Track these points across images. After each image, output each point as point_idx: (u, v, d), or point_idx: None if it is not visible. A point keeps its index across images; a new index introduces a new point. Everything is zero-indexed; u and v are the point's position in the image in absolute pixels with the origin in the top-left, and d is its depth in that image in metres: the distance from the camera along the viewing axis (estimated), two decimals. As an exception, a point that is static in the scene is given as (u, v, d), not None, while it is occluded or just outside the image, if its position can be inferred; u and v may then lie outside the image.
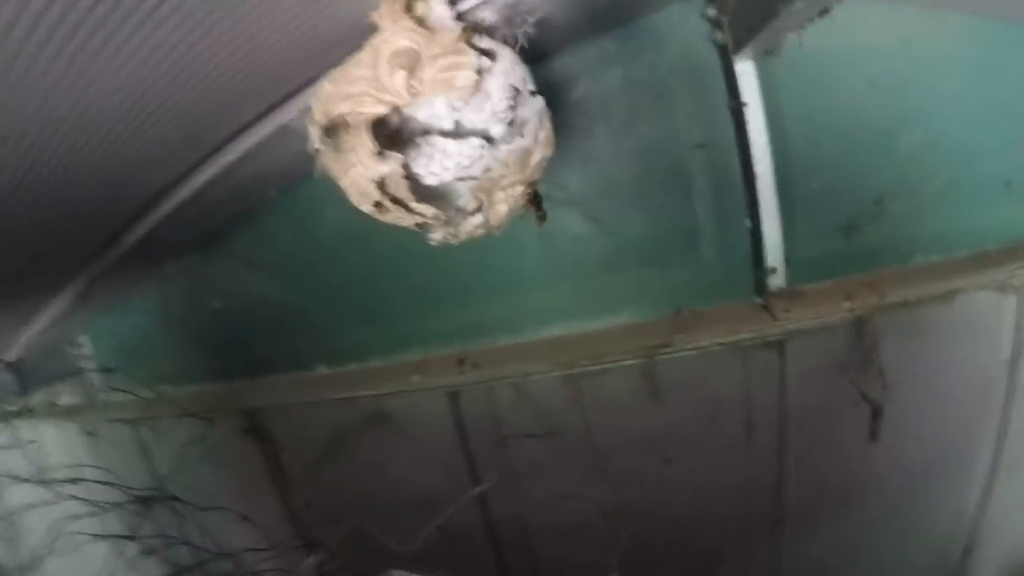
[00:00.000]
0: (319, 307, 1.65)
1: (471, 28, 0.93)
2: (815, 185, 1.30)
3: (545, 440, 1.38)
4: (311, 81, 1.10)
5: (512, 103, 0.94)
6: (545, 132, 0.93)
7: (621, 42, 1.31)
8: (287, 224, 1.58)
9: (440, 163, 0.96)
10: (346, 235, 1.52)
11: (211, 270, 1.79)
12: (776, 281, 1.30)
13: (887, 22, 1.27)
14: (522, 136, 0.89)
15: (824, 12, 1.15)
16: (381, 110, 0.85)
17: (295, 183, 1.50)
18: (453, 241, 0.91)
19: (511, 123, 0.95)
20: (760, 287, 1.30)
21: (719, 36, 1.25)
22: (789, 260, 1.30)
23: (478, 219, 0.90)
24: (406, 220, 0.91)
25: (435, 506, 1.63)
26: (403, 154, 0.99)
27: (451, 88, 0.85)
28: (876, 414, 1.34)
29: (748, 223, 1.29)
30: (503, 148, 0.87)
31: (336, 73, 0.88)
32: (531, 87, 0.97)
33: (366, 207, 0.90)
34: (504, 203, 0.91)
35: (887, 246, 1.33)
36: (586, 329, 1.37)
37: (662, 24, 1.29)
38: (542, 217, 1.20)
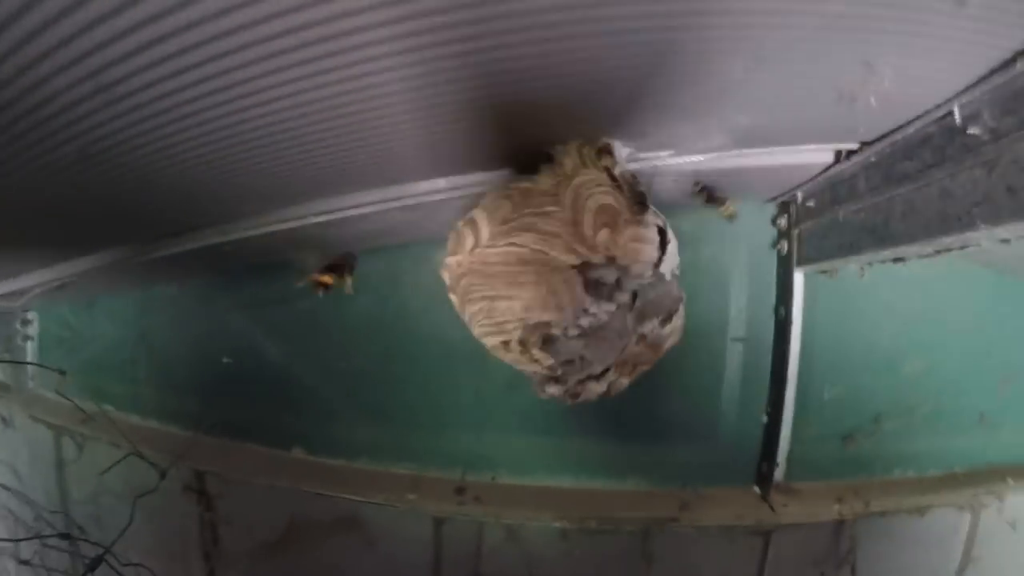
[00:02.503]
0: (318, 385, 1.52)
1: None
2: (827, 395, 1.40)
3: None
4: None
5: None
6: (680, 320, 0.97)
7: (694, 223, 1.34)
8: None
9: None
10: (370, 321, 1.46)
11: (209, 302, 1.61)
12: (776, 475, 1.39)
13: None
14: (670, 322, 0.92)
15: (899, 260, 1.24)
16: (571, 260, 0.83)
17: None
18: (568, 401, 0.91)
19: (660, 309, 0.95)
20: (763, 478, 1.39)
21: (784, 247, 1.32)
22: (790, 457, 1.39)
23: (602, 387, 0.92)
24: (525, 364, 0.90)
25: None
26: None
27: (637, 260, 0.84)
28: (834, 606, 1.47)
29: (765, 418, 1.38)
30: (649, 329, 0.89)
31: (517, 195, 0.87)
32: (678, 272, 0.98)
33: (490, 342, 0.90)
34: (630, 377, 0.93)
35: (875, 458, 1.45)
36: (595, 487, 1.41)
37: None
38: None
